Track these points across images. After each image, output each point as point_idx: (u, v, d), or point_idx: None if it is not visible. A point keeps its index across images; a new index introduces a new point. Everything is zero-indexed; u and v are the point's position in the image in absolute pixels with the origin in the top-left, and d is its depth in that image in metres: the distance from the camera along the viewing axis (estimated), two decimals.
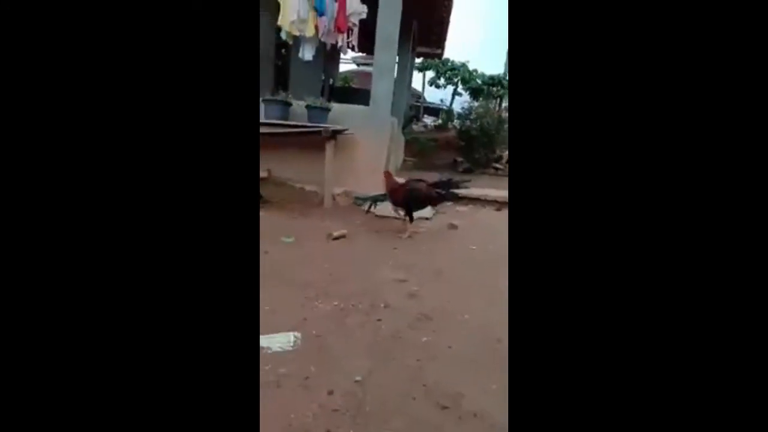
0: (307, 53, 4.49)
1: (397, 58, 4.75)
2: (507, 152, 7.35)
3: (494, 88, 10.97)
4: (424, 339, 1.63)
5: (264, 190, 3.73)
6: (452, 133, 8.99)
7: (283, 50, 6.00)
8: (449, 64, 11.79)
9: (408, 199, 3.06)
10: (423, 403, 1.24)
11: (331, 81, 7.63)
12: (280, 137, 3.82)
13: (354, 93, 7.11)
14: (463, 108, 8.51)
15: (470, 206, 4.51)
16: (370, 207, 3.42)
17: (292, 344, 1.50)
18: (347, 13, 4.19)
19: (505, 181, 5.86)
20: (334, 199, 3.91)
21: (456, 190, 3.27)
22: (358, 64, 12.96)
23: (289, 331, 1.58)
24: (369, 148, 4.18)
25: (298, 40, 4.38)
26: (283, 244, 2.69)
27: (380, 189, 3.30)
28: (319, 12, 4.09)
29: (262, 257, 2.36)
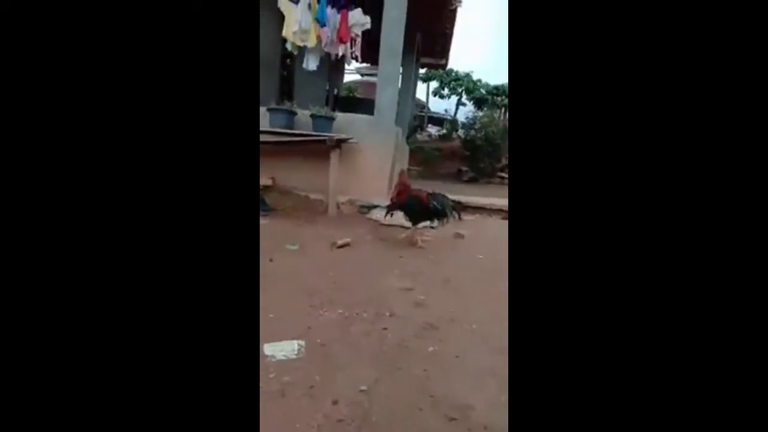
0: (311, 63, 4.55)
1: (401, 68, 4.79)
2: None
3: (498, 98, 11.03)
4: (431, 348, 1.60)
5: (269, 198, 3.74)
6: (457, 143, 9.02)
7: (288, 60, 6.08)
8: (453, 74, 11.90)
9: (407, 203, 3.05)
10: (430, 415, 1.21)
11: (335, 91, 7.70)
12: (285, 146, 3.84)
13: (358, 103, 7.17)
14: (467, 118, 8.55)
15: (476, 215, 4.49)
16: (387, 213, 3.33)
17: (296, 352, 1.47)
18: (349, 24, 4.25)
19: None
20: (338, 207, 3.91)
21: (449, 212, 3.08)
22: (362, 75, 13.11)
23: (293, 339, 1.55)
24: (373, 157, 4.19)
25: (302, 51, 4.45)
26: (287, 251, 2.68)
27: (385, 197, 3.29)
28: (321, 23, 4.16)
29: (267, 265, 2.35)
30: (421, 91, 12.57)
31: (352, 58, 4.68)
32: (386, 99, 4.19)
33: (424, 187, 3.46)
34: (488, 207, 4.67)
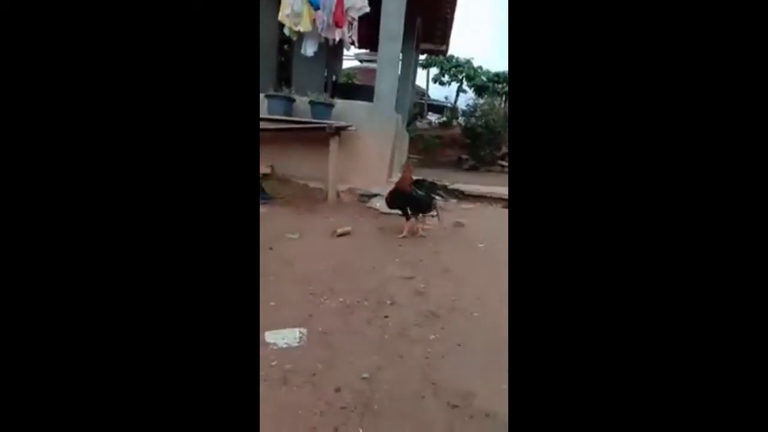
0: (308, 49, 4.46)
1: (401, 54, 4.71)
2: None
3: (499, 85, 10.91)
4: (432, 336, 1.60)
5: (267, 187, 3.71)
6: (457, 131, 8.95)
7: (286, 46, 5.97)
8: (454, 60, 11.74)
9: (392, 198, 2.98)
10: (432, 402, 1.21)
11: (334, 77, 7.59)
12: (283, 133, 3.79)
13: (357, 89, 7.08)
14: (468, 105, 8.47)
15: (477, 204, 4.47)
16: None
17: (298, 340, 1.47)
18: (345, 8, 4.15)
19: None
20: (338, 196, 3.88)
21: (433, 201, 2.94)
22: (361, 61, 12.92)
23: (295, 327, 1.55)
24: (373, 145, 4.15)
25: (301, 36, 4.36)
26: (287, 240, 2.66)
27: (385, 186, 3.26)
28: (315, 6, 4.05)
29: (267, 253, 2.34)
30: (421, 78, 12.40)
31: (350, 44, 4.59)
32: (386, 85, 4.13)
33: (424, 175, 3.43)
34: (489, 195, 4.65)
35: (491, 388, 1.28)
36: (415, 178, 3.00)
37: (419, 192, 2.89)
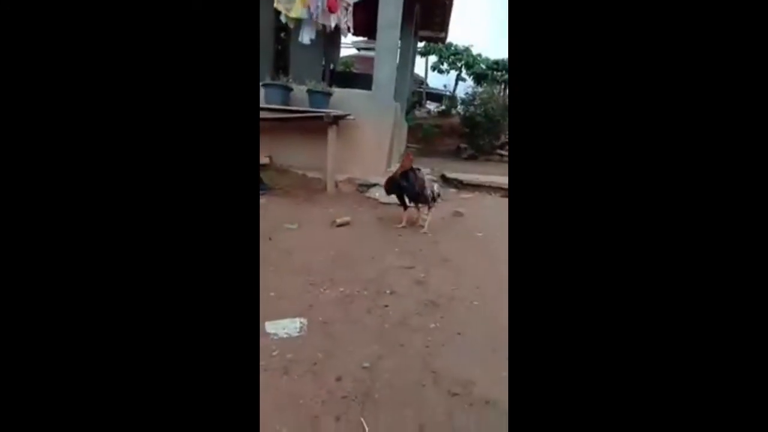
0: (305, 36, 4.38)
1: (399, 42, 4.64)
2: None
3: (498, 73, 10.79)
4: (432, 325, 1.61)
5: (266, 177, 3.68)
6: (456, 120, 8.88)
7: (282, 34, 5.86)
8: (452, 48, 11.59)
9: (388, 185, 2.97)
10: (433, 390, 1.22)
11: (331, 66, 7.48)
12: (281, 122, 3.75)
13: (355, 78, 6.99)
14: (467, 93, 8.37)
15: (476, 193, 4.47)
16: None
17: (298, 330, 1.47)
18: None
19: None
20: (337, 186, 3.87)
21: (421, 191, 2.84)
22: (359, 49, 12.73)
23: (295, 317, 1.55)
24: (372, 134, 4.11)
25: (298, 24, 4.27)
26: (286, 230, 2.66)
27: (383, 175, 3.24)
28: None
29: (267, 244, 2.33)
30: (420, 66, 12.25)
31: (346, 30, 4.51)
32: (384, 73, 4.07)
33: (422, 164, 3.41)
34: (487, 185, 4.64)
35: (491, 376, 1.29)
36: (414, 167, 2.98)
37: (408, 181, 2.83)
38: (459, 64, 11.74)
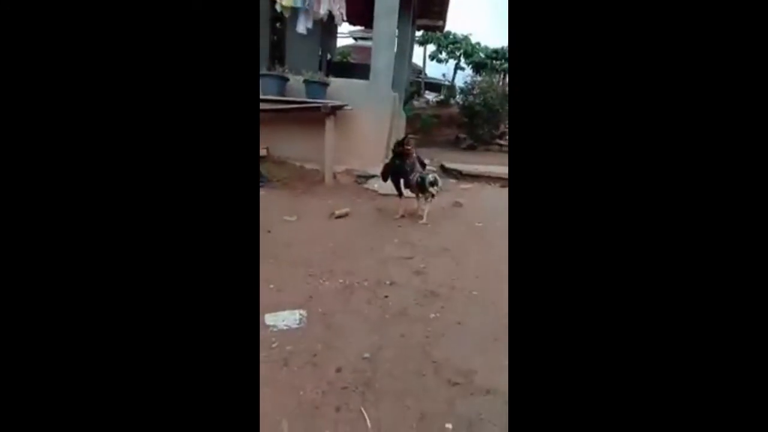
0: (301, 25, 4.31)
1: (396, 30, 4.56)
2: None
3: (498, 62, 10.66)
4: (432, 315, 1.60)
5: (263, 170, 3.65)
6: (455, 109, 8.80)
7: (278, 24, 5.77)
8: (451, 37, 11.43)
9: (385, 170, 3.03)
10: (433, 380, 1.22)
11: (328, 56, 7.39)
12: (277, 113, 3.71)
13: (352, 68, 6.91)
14: (465, 83, 8.27)
15: (475, 183, 4.44)
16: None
17: (298, 322, 1.47)
18: None
19: None
20: (335, 177, 3.84)
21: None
22: (356, 38, 12.56)
23: (294, 309, 1.55)
24: (370, 124, 4.07)
25: (294, 13, 4.20)
26: (285, 222, 2.64)
27: (381, 166, 3.21)
28: None
29: (265, 236, 2.32)
30: (418, 55, 12.11)
31: (341, 18, 4.43)
32: (382, 62, 4.01)
33: (421, 155, 3.38)
34: (486, 175, 4.62)
35: (491, 365, 1.29)
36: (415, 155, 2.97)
37: (404, 162, 2.88)
38: (458, 53, 11.58)
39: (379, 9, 3.92)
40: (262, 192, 3.26)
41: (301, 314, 1.52)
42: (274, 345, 1.32)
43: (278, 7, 4.11)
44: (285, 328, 1.43)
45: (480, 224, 2.94)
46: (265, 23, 5.05)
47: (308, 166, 3.94)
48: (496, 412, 1.10)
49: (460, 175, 4.67)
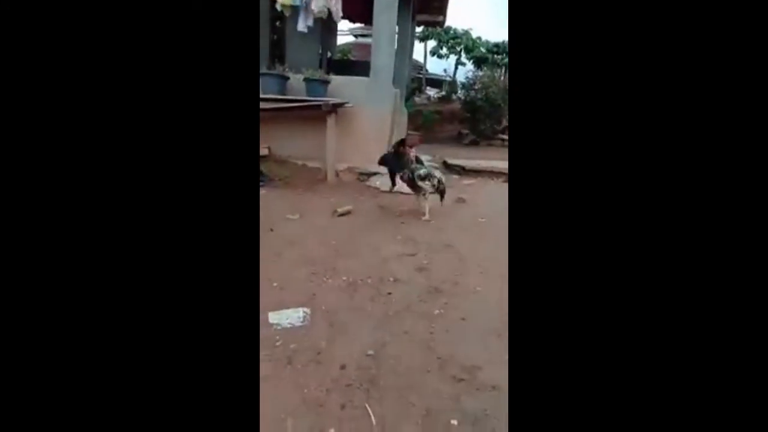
0: (301, 23, 4.30)
1: (396, 27, 4.54)
2: None
3: (499, 57, 10.58)
4: (436, 312, 1.60)
5: (265, 168, 3.65)
6: (457, 105, 8.75)
7: (278, 22, 5.76)
8: (451, 32, 11.34)
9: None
10: (438, 376, 1.21)
11: (329, 54, 7.36)
12: (278, 112, 3.70)
13: (353, 65, 6.89)
14: (467, 78, 8.22)
15: (478, 179, 4.42)
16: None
17: (301, 320, 1.47)
18: None
19: None
20: (337, 175, 3.83)
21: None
22: (356, 36, 12.51)
23: (298, 307, 1.55)
24: (371, 121, 4.06)
25: (294, 11, 4.19)
26: (288, 221, 2.64)
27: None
28: None
29: (268, 235, 2.32)
30: (418, 51, 12.03)
31: (337, 15, 4.40)
32: (382, 59, 3.99)
33: (424, 151, 3.37)
34: (489, 170, 4.59)
35: (496, 361, 1.28)
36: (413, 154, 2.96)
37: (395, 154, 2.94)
38: (458, 48, 11.50)
39: (379, 5, 3.90)
40: (264, 191, 3.26)
41: (304, 312, 1.51)
42: (278, 343, 1.32)
43: (278, 6, 4.10)
44: (288, 326, 1.43)
45: (483, 220, 2.92)
46: (265, 22, 5.04)
47: (310, 164, 3.93)
48: (501, 407, 1.09)
49: (462, 171, 4.65)
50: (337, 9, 4.26)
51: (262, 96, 3.63)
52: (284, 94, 3.81)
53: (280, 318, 1.46)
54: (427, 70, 13.66)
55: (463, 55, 11.53)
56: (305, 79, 3.83)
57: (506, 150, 6.31)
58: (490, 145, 6.94)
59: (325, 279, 1.83)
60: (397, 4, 3.96)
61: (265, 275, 1.77)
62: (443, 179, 2.99)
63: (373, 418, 1.04)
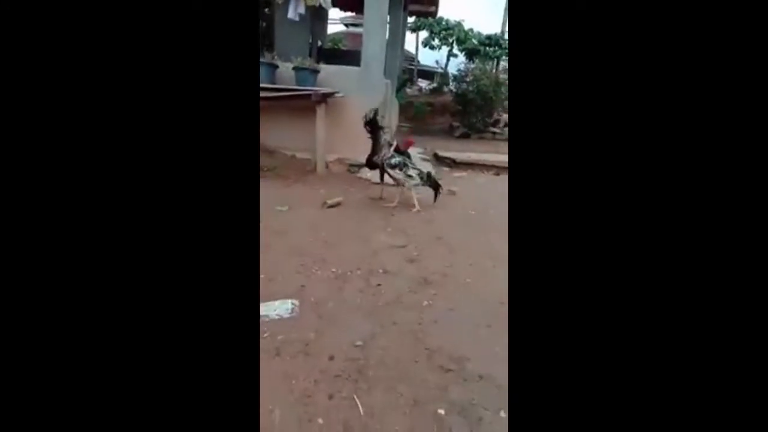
0: (292, 11, 4.21)
1: (388, 17, 4.47)
2: (505, 115, 7.16)
3: (491, 49, 10.55)
4: (425, 303, 1.60)
5: None
6: (448, 97, 8.72)
7: (266, 10, 5.63)
8: (444, 23, 11.25)
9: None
10: (426, 367, 1.22)
11: (319, 42, 7.24)
12: (267, 102, 3.63)
13: (343, 55, 6.78)
14: (459, 70, 8.17)
15: (468, 171, 4.43)
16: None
17: (290, 311, 1.46)
18: None
19: (504, 146, 5.74)
20: (327, 166, 3.80)
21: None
22: (347, 25, 12.34)
23: (286, 298, 1.53)
24: (362, 112, 3.99)
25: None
26: (277, 212, 2.61)
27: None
28: None
29: None
30: (410, 42, 11.94)
31: (331, 5, 4.32)
32: (373, 49, 3.93)
33: (415, 143, 3.35)
34: (480, 163, 4.60)
35: (484, 351, 1.29)
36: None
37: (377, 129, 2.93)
38: (450, 40, 11.43)
39: None
40: None
41: (293, 303, 1.50)
42: (265, 335, 1.31)
43: None
44: (277, 317, 1.42)
45: (473, 212, 2.93)
46: None
47: (299, 155, 3.88)
48: (488, 397, 1.10)
49: (453, 164, 4.65)
50: None
51: None
52: (273, 83, 3.73)
53: (269, 309, 1.45)
54: (418, 62, 13.58)
55: (455, 46, 11.47)
56: (295, 68, 3.76)
57: (497, 143, 6.34)
58: (481, 137, 6.95)
59: (314, 270, 1.82)
60: None
61: None
62: (433, 173, 2.98)
63: (361, 408, 1.04)
